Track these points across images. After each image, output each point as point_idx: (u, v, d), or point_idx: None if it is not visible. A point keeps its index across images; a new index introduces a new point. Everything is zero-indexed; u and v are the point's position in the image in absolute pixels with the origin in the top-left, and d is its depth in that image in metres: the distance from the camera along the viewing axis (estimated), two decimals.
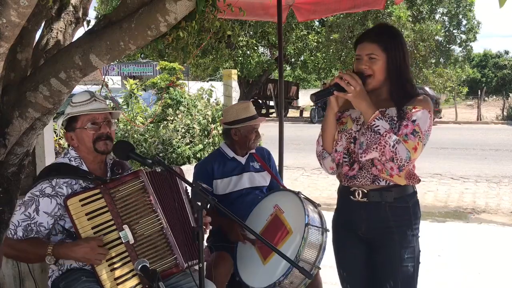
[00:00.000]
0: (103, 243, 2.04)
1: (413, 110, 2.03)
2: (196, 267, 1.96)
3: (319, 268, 2.46)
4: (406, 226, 2.12)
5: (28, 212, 2.07)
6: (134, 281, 2.05)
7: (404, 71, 2.10)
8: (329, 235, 2.49)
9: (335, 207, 2.33)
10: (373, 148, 2.01)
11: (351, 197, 2.16)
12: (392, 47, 2.08)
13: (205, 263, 2.23)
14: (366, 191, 2.12)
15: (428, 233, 2.29)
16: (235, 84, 8.84)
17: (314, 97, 2.10)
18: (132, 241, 2.07)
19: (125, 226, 2.07)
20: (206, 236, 2.66)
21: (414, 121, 2.01)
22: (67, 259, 2.06)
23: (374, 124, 2.00)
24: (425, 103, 2.06)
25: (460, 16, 20.73)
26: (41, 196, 2.08)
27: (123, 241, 2.06)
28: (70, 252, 2.01)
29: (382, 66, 2.08)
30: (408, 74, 2.13)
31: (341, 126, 2.20)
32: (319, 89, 2.27)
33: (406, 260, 2.10)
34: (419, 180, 2.18)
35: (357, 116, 2.17)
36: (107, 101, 8.19)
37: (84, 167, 2.21)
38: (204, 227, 2.25)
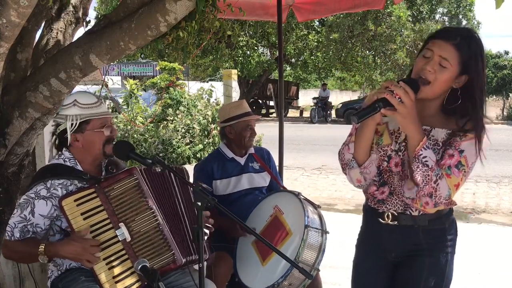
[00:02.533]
0: (99, 243, 2.01)
1: (463, 138, 1.73)
2: (196, 267, 1.95)
3: (318, 270, 2.45)
4: (440, 249, 1.89)
5: (24, 214, 2.06)
6: (133, 278, 2.04)
7: (478, 102, 1.72)
8: (329, 236, 2.49)
9: (335, 207, 2.32)
10: (419, 181, 1.72)
11: (380, 219, 1.91)
12: (473, 63, 1.69)
13: (205, 263, 2.23)
14: (396, 214, 1.88)
15: None
16: (235, 84, 8.84)
17: (356, 118, 1.68)
18: (128, 238, 2.05)
19: (121, 224, 2.06)
20: (206, 237, 2.66)
21: (461, 151, 1.72)
22: (58, 257, 2.04)
23: (422, 154, 1.68)
24: (478, 129, 1.74)
25: (460, 16, 20.78)
26: (36, 198, 2.07)
27: (120, 239, 2.05)
28: (60, 251, 1.98)
29: (448, 79, 1.71)
30: (482, 108, 1.74)
31: (375, 137, 1.87)
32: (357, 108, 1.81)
33: None
34: (455, 204, 1.89)
35: (395, 128, 1.87)
36: (107, 101, 8.21)
37: (79, 167, 2.19)
38: (210, 226, 2.24)
